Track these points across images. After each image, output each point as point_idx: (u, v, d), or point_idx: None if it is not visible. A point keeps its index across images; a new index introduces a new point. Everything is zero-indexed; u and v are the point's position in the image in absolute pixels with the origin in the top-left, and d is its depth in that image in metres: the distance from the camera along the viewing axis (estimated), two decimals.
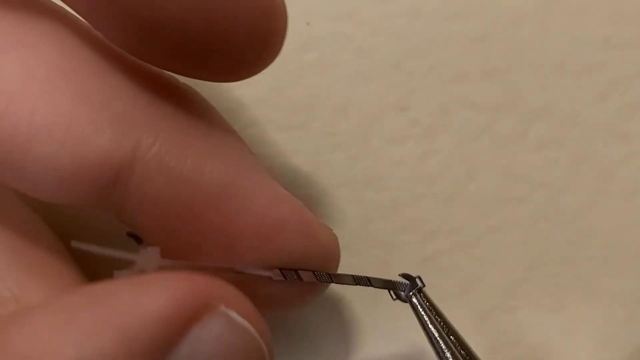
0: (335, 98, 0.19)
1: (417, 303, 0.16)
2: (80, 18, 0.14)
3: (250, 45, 0.13)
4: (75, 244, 0.13)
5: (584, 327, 0.18)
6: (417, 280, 0.16)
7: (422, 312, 0.16)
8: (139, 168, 0.14)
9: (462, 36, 0.19)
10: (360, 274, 0.16)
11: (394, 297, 0.16)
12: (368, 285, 0.15)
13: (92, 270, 0.17)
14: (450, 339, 0.16)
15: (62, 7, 0.14)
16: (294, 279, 0.14)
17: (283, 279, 0.14)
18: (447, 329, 0.16)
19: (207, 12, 0.13)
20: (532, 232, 0.19)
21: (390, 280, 0.16)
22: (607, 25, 0.19)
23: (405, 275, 0.16)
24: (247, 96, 0.19)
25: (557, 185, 0.19)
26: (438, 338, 0.16)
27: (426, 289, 0.16)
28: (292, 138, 0.19)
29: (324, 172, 0.19)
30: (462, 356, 0.15)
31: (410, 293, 0.16)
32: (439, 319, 0.16)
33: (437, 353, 0.16)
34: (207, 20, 0.13)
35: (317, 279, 0.15)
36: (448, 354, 0.15)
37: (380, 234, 0.19)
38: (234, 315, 0.12)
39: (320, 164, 0.19)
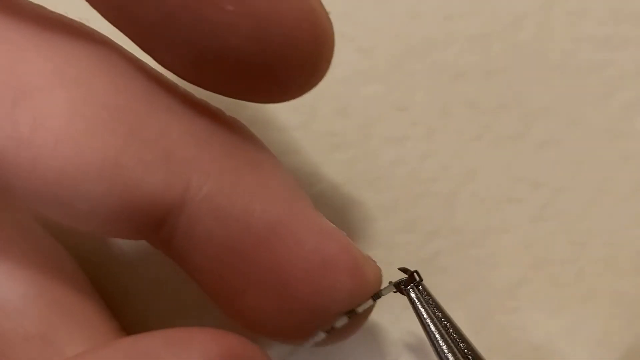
0: (335, 98, 0.19)
1: (414, 297, 0.16)
2: (127, 50, 0.14)
3: (302, 71, 0.14)
4: None
5: (584, 328, 0.18)
6: (415, 275, 0.16)
7: (420, 306, 0.16)
8: (189, 208, 0.14)
9: (462, 36, 0.19)
10: None
11: (394, 290, 0.16)
12: (381, 297, 0.16)
13: (93, 269, 0.17)
14: (449, 333, 0.16)
15: (110, 39, 0.14)
16: (332, 332, 0.15)
17: (325, 338, 0.15)
18: (446, 323, 0.16)
19: (265, 42, 0.13)
20: (533, 232, 0.19)
21: (392, 282, 0.16)
22: (607, 25, 0.19)
23: (404, 269, 0.16)
24: None
25: (557, 185, 0.19)
26: (434, 331, 0.16)
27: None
28: (292, 138, 0.19)
29: (324, 172, 0.19)
30: (459, 350, 0.16)
31: (408, 287, 0.16)
32: (439, 313, 0.16)
33: (434, 347, 0.16)
34: (264, 49, 0.13)
35: (349, 318, 0.15)
36: (445, 348, 0.15)
37: (380, 234, 0.19)
38: None
39: (320, 164, 0.19)
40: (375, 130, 0.19)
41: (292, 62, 0.13)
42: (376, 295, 0.16)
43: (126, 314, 0.18)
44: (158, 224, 0.14)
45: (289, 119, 0.19)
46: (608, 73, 0.19)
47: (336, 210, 0.19)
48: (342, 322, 0.15)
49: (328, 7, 0.14)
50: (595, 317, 0.18)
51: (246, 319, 0.15)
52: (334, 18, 0.14)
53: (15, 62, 0.13)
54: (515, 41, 0.19)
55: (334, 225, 0.15)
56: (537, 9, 0.20)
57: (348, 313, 0.15)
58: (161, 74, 0.14)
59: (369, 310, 0.16)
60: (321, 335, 0.15)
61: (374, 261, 0.16)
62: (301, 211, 0.15)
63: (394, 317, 0.18)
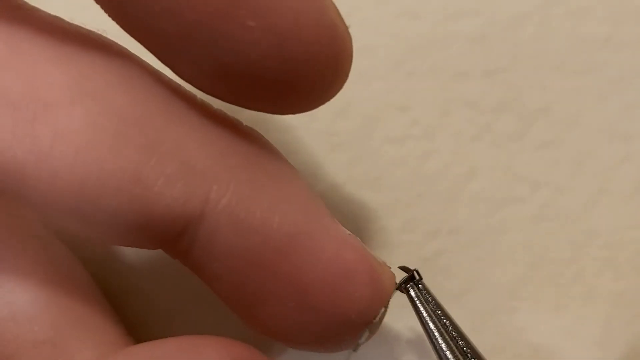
0: (335, 98, 0.19)
1: (414, 295, 0.16)
2: (145, 61, 0.14)
3: (321, 84, 0.14)
4: None
5: (584, 328, 0.18)
6: (415, 273, 0.16)
7: (419, 304, 0.16)
8: (208, 219, 0.14)
9: (462, 36, 0.19)
10: None
11: (396, 289, 0.16)
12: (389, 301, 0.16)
13: (94, 269, 0.17)
14: (449, 331, 0.16)
15: (128, 50, 0.14)
16: (358, 347, 0.16)
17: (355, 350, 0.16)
18: (446, 321, 0.16)
19: (285, 57, 0.13)
20: (533, 232, 0.19)
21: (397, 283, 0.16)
22: (607, 25, 0.19)
23: (404, 268, 0.16)
24: None
25: (557, 185, 0.19)
26: (433, 329, 0.16)
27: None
28: (292, 138, 0.19)
29: (324, 172, 0.19)
30: (458, 348, 0.16)
31: (408, 285, 0.16)
32: (438, 311, 0.16)
33: (433, 345, 0.16)
34: (284, 64, 0.13)
35: (370, 332, 0.16)
36: (444, 346, 0.16)
37: (380, 234, 0.19)
38: None
39: (320, 164, 0.19)
40: (375, 130, 0.19)
41: (311, 76, 0.13)
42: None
43: (126, 315, 0.18)
44: (177, 236, 0.14)
45: (289, 119, 0.19)
46: (608, 73, 0.19)
47: (336, 210, 0.19)
48: (365, 336, 0.15)
49: (347, 22, 0.14)
50: (595, 317, 0.18)
51: (266, 327, 0.15)
52: None
53: (34, 76, 0.13)
54: (515, 41, 0.19)
55: (351, 233, 0.15)
56: (537, 9, 0.20)
57: (367, 326, 0.15)
58: (179, 85, 0.14)
59: (383, 316, 0.16)
60: (351, 354, 0.16)
61: (389, 267, 0.16)
62: (319, 221, 0.15)
63: (395, 314, 0.18)
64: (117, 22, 0.13)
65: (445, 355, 0.16)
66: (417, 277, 0.16)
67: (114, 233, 0.13)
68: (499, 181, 0.19)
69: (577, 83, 0.19)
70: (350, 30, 0.19)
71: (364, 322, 0.15)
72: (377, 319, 0.15)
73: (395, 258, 0.19)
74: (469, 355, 0.16)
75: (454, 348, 0.16)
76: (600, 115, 0.19)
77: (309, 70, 0.13)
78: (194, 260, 0.14)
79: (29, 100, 0.12)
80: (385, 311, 0.16)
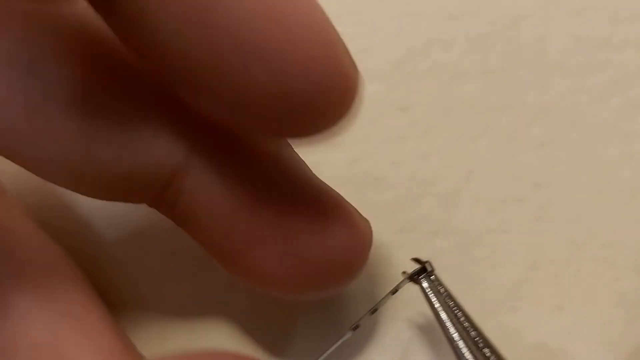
0: None
1: (426, 287, 0.16)
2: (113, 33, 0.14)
3: (323, 122, 0.14)
4: None
5: (585, 328, 0.18)
6: (427, 265, 0.16)
7: (432, 296, 0.16)
8: (193, 168, 0.14)
9: (462, 36, 0.19)
10: None
11: (409, 281, 0.17)
12: (398, 291, 0.17)
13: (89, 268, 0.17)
14: (460, 321, 0.16)
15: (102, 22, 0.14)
16: (357, 329, 0.16)
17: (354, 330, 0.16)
18: (458, 312, 0.16)
19: (291, 101, 0.13)
20: (533, 233, 0.19)
21: (406, 273, 0.17)
22: (607, 25, 0.19)
23: (416, 260, 0.17)
24: None
25: (557, 185, 0.19)
26: (446, 320, 0.16)
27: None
28: None
29: (324, 172, 0.19)
30: (470, 338, 0.16)
31: (421, 277, 0.16)
32: (451, 302, 0.16)
33: (446, 334, 0.16)
34: (289, 106, 0.13)
35: (371, 314, 0.16)
36: (456, 336, 0.16)
37: (380, 234, 0.19)
38: None
39: (320, 164, 0.19)
40: (375, 130, 0.19)
41: (316, 114, 0.13)
42: (394, 290, 0.16)
43: (121, 314, 0.18)
44: (164, 187, 0.14)
45: None
46: (608, 73, 0.19)
47: None
48: (365, 319, 0.16)
49: (329, 8, 0.14)
50: (595, 317, 0.18)
51: (252, 275, 0.15)
52: (333, 17, 0.14)
53: (24, 35, 0.13)
54: (515, 41, 0.19)
55: (329, 185, 0.16)
56: (537, 9, 0.20)
57: (370, 310, 0.16)
58: None
59: (386, 300, 0.17)
60: (348, 334, 0.16)
61: (366, 219, 0.16)
62: (298, 171, 0.15)
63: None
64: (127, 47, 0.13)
65: (458, 346, 0.16)
66: (430, 269, 0.16)
67: (102, 185, 0.14)
68: (499, 181, 0.19)
69: (577, 83, 0.19)
70: (350, 30, 0.19)
71: (347, 266, 0.16)
72: (381, 305, 0.16)
73: (395, 258, 0.19)
74: (481, 345, 0.16)
75: (466, 338, 0.16)
76: (600, 115, 0.19)
77: (314, 110, 0.13)
78: (181, 213, 0.15)
79: (20, 58, 0.13)
80: (391, 296, 0.16)
